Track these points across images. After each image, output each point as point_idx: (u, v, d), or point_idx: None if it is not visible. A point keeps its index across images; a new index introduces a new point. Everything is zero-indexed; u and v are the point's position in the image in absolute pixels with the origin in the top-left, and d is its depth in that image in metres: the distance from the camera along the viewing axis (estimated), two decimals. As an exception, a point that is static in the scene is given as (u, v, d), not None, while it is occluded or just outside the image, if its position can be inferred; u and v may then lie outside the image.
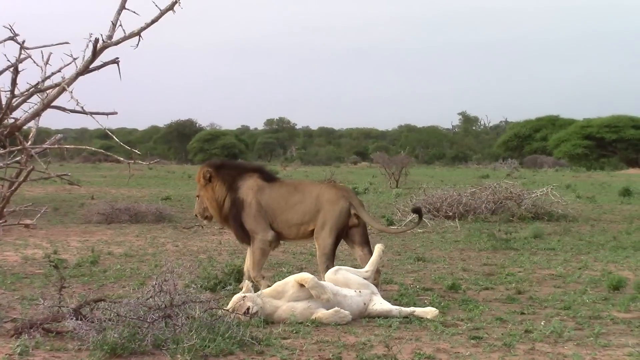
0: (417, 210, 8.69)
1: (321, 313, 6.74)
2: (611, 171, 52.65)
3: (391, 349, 5.69)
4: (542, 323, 6.77)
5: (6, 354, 5.51)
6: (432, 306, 7.40)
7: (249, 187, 8.33)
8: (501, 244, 12.15)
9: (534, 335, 6.32)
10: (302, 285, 6.85)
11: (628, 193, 24.31)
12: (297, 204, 8.26)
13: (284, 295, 6.87)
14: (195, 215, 8.86)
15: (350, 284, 7.19)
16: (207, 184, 8.42)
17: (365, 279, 7.37)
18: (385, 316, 6.96)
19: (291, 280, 6.96)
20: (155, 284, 6.16)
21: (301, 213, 8.22)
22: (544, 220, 16.68)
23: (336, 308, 6.79)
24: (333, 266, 7.95)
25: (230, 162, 8.95)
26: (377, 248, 7.71)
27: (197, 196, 8.63)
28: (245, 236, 8.33)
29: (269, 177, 8.52)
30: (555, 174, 44.73)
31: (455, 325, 6.71)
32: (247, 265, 8.43)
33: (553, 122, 68.16)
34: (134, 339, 5.57)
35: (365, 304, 7.05)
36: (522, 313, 7.31)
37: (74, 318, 5.87)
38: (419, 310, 7.03)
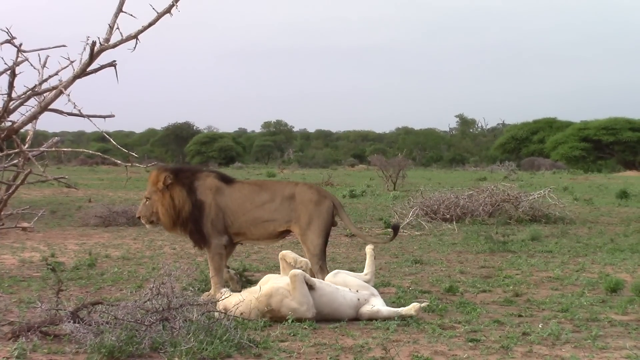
0: (394, 227, 8.66)
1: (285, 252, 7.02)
2: (608, 173, 52.73)
3: (389, 352, 5.69)
4: (540, 325, 6.77)
5: (4, 357, 5.50)
6: (430, 309, 7.42)
7: (206, 187, 8.14)
8: (499, 247, 12.15)
9: (531, 338, 6.32)
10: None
11: (625, 195, 24.33)
12: (266, 204, 8.11)
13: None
14: (138, 217, 8.40)
15: (349, 285, 7.20)
16: (165, 190, 8.10)
17: (366, 282, 7.38)
18: (375, 318, 6.95)
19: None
20: (153, 286, 6.16)
21: (271, 212, 8.09)
22: (542, 223, 16.69)
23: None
24: (326, 266, 7.99)
25: (185, 165, 8.68)
26: (368, 250, 7.74)
27: (147, 198, 8.22)
28: (202, 240, 8.14)
29: (226, 179, 8.34)
30: (553, 177, 44.76)
31: (452, 328, 6.71)
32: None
33: (550, 125, 68.24)
34: (131, 342, 5.57)
35: (359, 299, 7.06)
36: (520, 315, 7.31)
37: (72, 321, 5.87)
38: (403, 311, 7.03)
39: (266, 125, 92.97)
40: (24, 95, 8.51)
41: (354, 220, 16.68)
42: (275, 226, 8.13)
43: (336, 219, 8.25)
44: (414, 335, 6.43)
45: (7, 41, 8.31)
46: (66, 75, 8.28)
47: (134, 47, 8.04)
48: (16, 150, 8.75)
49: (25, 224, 13.21)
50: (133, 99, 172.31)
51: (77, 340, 5.73)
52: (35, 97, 8.46)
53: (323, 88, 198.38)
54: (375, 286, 8.35)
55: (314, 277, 7.50)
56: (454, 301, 7.96)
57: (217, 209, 8.10)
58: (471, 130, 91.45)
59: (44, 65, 8.52)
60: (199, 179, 8.19)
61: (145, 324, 5.75)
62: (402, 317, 6.96)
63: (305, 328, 6.56)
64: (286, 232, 8.26)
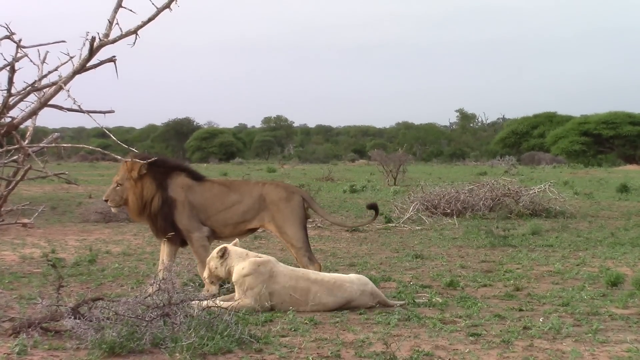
0: (373, 207, 8.73)
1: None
2: (609, 167, 52.66)
3: (390, 346, 5.68)
4: (541, 319, 6.77)
5: (4, 354, 5.50)
6: (431, 303, 7.43)
7: (178, 185, 8.21)
8: (499, 241, 12.15)
9: (532, 332, 6.32)
10: None
11: (625, 189, 24.30)
12: (235, 205, 8.22)
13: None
14: (105, 200, 8.39)
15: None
16: (137, 180, 8.15)
17: None
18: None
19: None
20: (154, 282, 6.16)
21: (240, 213, 8.21)
22: (542, 217, 16.68)
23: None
24: (314, 256, 8.08)
25: (161, 158, 8.71)
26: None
27: (119, 184, 8.23)
28: (175, 235, 8.15)
29: (196, 176, 8.41)
30: (553, 171, 44.74)
31: (453, 322, 6.71)
32: (161, 260, 8.30)
33: (550, 119, 68.16)
34: (132, 337, 5.57)
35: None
36: (521, 310, 7.31)
37: (72, 317, 5.86)
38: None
39: (266, 120, 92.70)
40: (23, 91, 8.48)
41: (355, 216, 16.68)
42: (246, 224, 8.27)
43: (310, 212, 8.42)
44: (414, 329, 6.43)
45: (7, 37, 8.28)
46: (66, 71, 8.26)
47: (134, 43, 8.01)
48: (16, 146, 8.73)
49: (25, 220, 13.18)
50: (133, 95, 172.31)
51: (77, 336, 5.73)
52: (34, 92, 8.44)
53: (323, 83, 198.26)
54: (375, 281, 8.38)
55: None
56: (455, 296, 7.96)
57: (190, 205, 8.19)
58: (471, 124, 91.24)
59: (43, 61, 8.49)
60: (170, 176, 8.26)
61: (146, 319, 5.75)
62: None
63: (306, 323, 6.56)
64: (256, 229, 8.48)
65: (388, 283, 8.77)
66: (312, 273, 7.38)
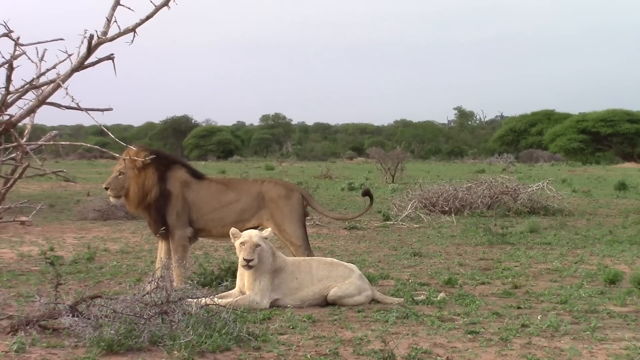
0: (367, 193, 8.76)
1: None
2: (607, 165, 52.78)
3: (388, 344, 5.68)
4: (539, 317, 6.78)
5: (2, 351, 5.50)
6: (429, 301, 7.43)
7: (177, 179, 8.23)
8: (497, 239, 12.16)
9: (530, 330, 6.32)
10: None
11: (624, 187, 24.31)
12: (233, 203, 8.23)
13: None
14: (105, 188, 8.39)
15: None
16: (141, 169, 8.17)
17: None
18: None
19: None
20: (152, 280, 6.16)
21: (238, 212, 8.21)
22: (540, 215, 16.70)
23: None
24: (312, 254, 8.11)
25: (163, 152, 8.74)
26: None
27: (121, 173, 8.25)
28: (163, 228, 8.13)
29: (196, 174, 8.42)
30: (551, 168, 44.79)
31: (452, 320, 6.71)
32: (160, 257, 8.30)
33: (548, 117, 68.12)
34: (130, 335, 5.57)
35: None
36: (519, 307, 7.31)
37: (71, 315, 5.87)
38: None
39: (264, 118, 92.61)
40: (21, 89, 8.47)
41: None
42: (244, 223, 8.22)
43: (309, 209, 8.44)
44: (413, 327, 6.43)
45: (5, 35, 8.27)
46: (64, 68, 8.24)
47: (132, 41, 8.00)
48: (14, 144, 8.72)
49: (23, 218, 13.18)
50: (131, 93, 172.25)
51: (76, 334, 5.74)
52: (33, 90, 8.42)
53: (321, 81, 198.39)
54: (374, 279, 8.39)
55: None
56: (453, 293, 7.96)
57: (183, 202, 8.20)
58: (469, 122, 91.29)
59: (41, 59, 8.47)
60: (171, 169, 8.28)
61: (144, 317, 5.75)
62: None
63: (304, 321, 6.56)
64: (254, 228, 8.36)
65: (386, 281, 8.78)
66: (309, 257, 7.84)
